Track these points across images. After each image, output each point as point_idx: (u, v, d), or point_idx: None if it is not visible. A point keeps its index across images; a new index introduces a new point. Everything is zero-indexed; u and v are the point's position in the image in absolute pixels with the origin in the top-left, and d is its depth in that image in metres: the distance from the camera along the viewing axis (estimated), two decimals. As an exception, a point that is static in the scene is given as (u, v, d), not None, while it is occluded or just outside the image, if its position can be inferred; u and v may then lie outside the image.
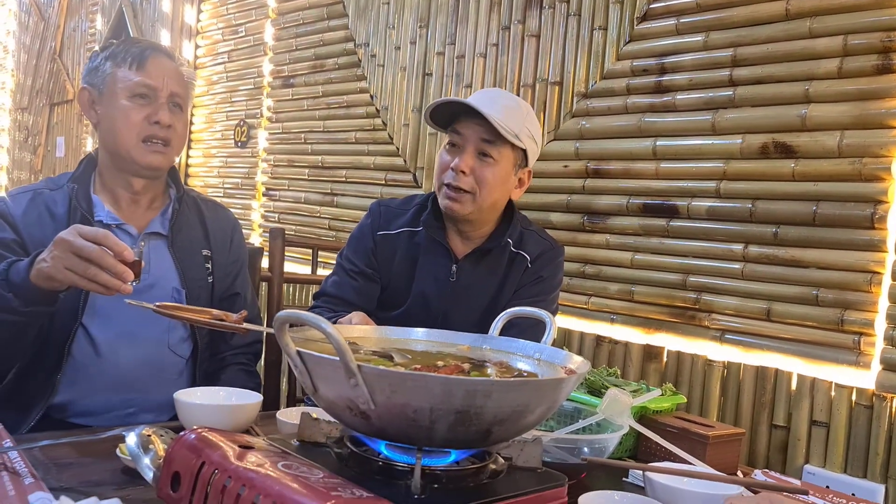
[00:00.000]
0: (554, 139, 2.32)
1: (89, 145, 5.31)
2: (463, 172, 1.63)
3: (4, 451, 1.06)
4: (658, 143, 2.04)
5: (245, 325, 1.14)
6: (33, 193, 1.55)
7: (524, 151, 1.69)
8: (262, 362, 2.04)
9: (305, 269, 2.85)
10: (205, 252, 1.67)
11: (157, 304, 1.12)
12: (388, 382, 0.84)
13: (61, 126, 5.81)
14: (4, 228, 1.49)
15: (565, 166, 2.27)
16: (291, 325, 0.93)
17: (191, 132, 4.14)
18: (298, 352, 0.89)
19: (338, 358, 0.83)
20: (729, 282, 1.88)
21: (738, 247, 1.86)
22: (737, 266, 1.86)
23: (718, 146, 1.91)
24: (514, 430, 0.95)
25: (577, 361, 1.06)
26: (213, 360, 1.69)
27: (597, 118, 2.21)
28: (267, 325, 1.75)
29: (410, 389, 0.84)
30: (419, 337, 1.22)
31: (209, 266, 1.66)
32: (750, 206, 1.84)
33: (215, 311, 1.14)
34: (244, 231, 2.92)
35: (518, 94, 2.40)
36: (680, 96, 2.00)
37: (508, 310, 1.27)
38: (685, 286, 1.96)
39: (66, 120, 5.75)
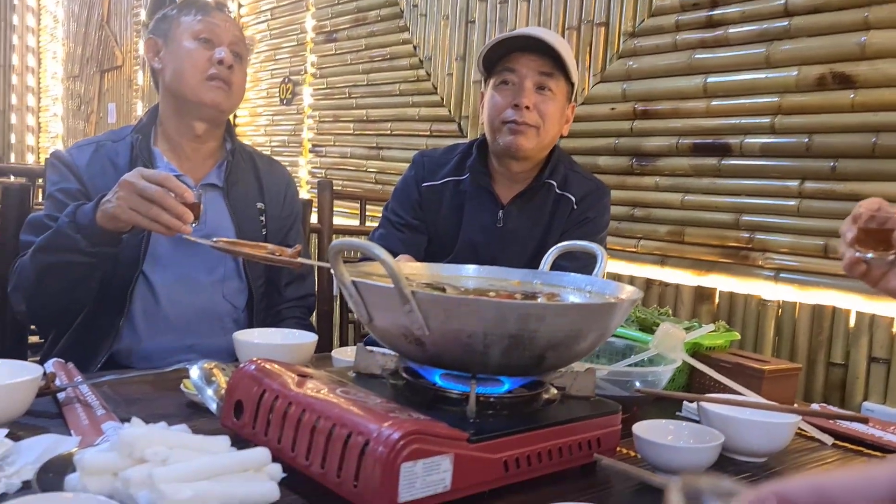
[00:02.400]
0: (600, 81, 2.28)
1: (139, 110, 5.40)
2: (527, 108, 1.62)
3: (76, 385, 1.11)
4: (709, 79, 1.99)
5: (299, 259, 1.16)
6: (96, 145, 1.59)
7: (572, 85, 1.67)
8: (315, 316, 2.08)
9: (354, 223, 2.88)
10: (259, 205, 1.70)
11: (215, 239, 1.15)
12: (443, 308, 0.85)
13: (112, 93, 5.92)
14: (69, 179, 1.54)
15: (612, 109, 2.23)
16: (346, 261, 0.94)
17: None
18: (354, 281, 0.90)
19: (392, 285, 0.84)
20: (784, 219, 1.84)
21: (793, 183, 1.82)
22: (792, 203, 1.82)
23: (773, 80, 1.86)
24: (567, 357, 0.95)
25: (628, 291, 1.06)
26: (268, 313, 1.72)
27: (645, 58, 2.16)
28: (318, 279, 1.79)
29: (464, 314, 0.85)
30: (470, 273, 1.23)
31: (263, 219, 1.68)
32: (806, 140, 1.79)
33: (270, 246, 1.16)
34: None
35: (563, 37, 2.36)
36: (732, 30, 1.94)
37: (559, 244, 1.27)
38: (738, 226, 1.93)
39: (116, 86, 5.86)
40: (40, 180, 2.95)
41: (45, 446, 0.86)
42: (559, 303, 0.98)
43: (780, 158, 1.85)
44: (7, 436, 0.86)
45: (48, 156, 1.64)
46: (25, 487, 0.79)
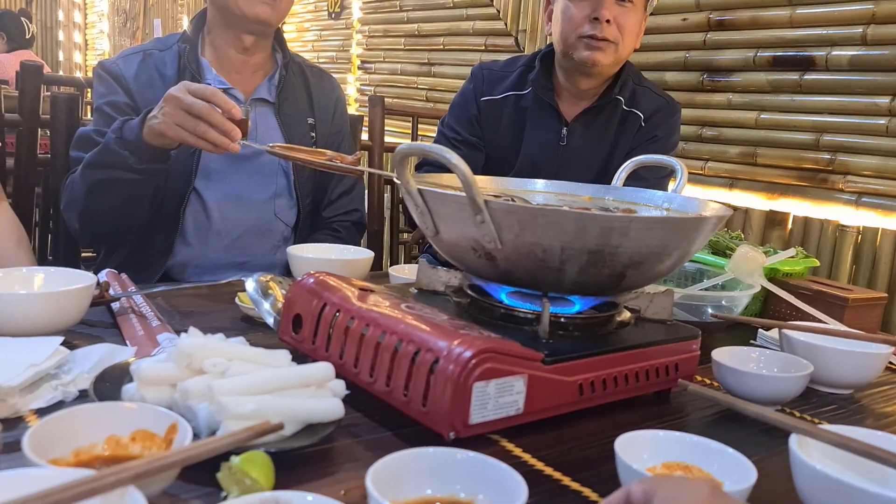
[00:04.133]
0: (671, -11, 2.13)
1: (185, 25, 5.33)
2: (608, 21, 1.51)
3: (130, 295, 1.08)
4: (794, -15, 1.83)
5: (360, 167, 1.09)
6: (143, 54, 1.53)
7: None
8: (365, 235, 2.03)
9: (404, 141, 2.80)
10: (310, 120, 1.63)
11: (272, 144, 1.09)
12: (518, 219, 0.79)
13: (157, 8, 5.84)
14: (117, 91, 1.49)
15: (684, 19, 2.08)
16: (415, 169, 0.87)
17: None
18: (420, 190, 0.84)
19: (464, 193, 0.77)
20: (870, 139, 1.71)
21: (883, 100, 1.68)
22: (881, 121, 1.69)
23: (867, -16, 1.70)
24: (647, 277, 0.88)
25: (714, 208, 0.98)
26: (312, 230, 1.68)
27: (722, -39, 2.00)
28: (368, 199, 1.72)
29: (541, 226, 0.78)
30: (538, 188, 1.16)
31: (313, 135, 1.62)
32: (901, 52, 1.64)
33: (329, 153, 1.10)
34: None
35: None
36: (823, -71, 1.78)
37: (634, 158, 1.18)
38: (818, 146, 1.80)
39: (161, 1, 5.77)
40: (89, 93, 2.92)
41: (100, 355, 0.83)
42: (646, 216, 0.90)
43: (870, 73, 1.71)
44: (62, 344, 0.83)
45: (96, 65, 1.58)
46: (82, 396, 0.76)
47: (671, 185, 1.13)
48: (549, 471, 0.71)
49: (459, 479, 0.60)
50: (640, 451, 0.67)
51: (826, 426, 0.69)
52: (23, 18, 4.91)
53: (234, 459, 0.59)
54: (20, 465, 0.55)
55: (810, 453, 0.66)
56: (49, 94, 2.02)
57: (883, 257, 1.70)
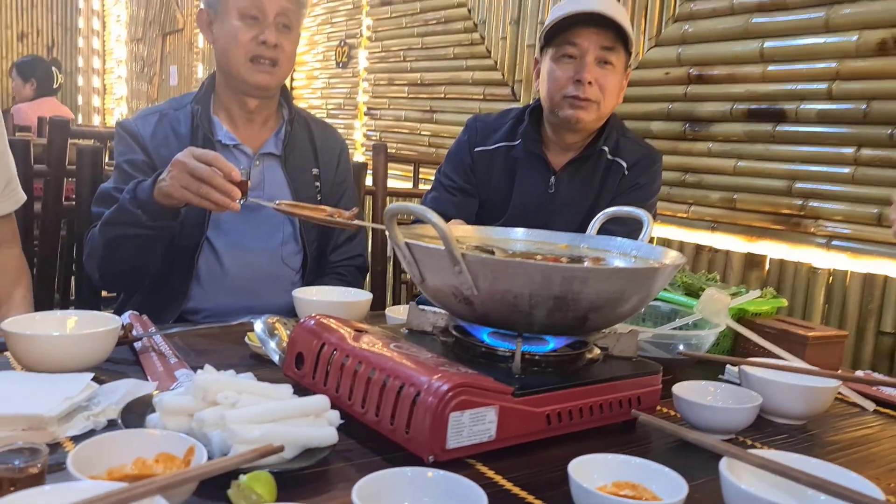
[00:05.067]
0: (655, 45, 2.27)
1: (200, 72, 5.53)
2: (589, 83, 1.63)
3: (151, 336, 1.20)
4: (766, 44, 1.96)
5: (356, 221, 1.21)
6: (159, 115, 1.66)
7: (630, 55, 1.67)
8: (369, 276, 2.14)
9: (407, 185, 2.93)
10: (314, 171, 1.75)
11: (277, 202, 1.21)
12: (490, 269, 0.90)
13: (174, 55, 6.06)
14: (135, 150, 1.61)
15: (666, 73, 2.22)
16: (400, 224, 0.99)
17: (294, 55, 4.23)
18: (407, 243, 0.96)
19: (443, 247, 0.89)
20: (838, 187, 1.82)
21: (849, 150, 1.80)
22: (847, 170, 1.80)
23: (832, 45, 1.83)
24: (609, 319, 0.99)
25: (672, 256, 1.09)
26: (318, 273, 1.79)
27: (701, 21, 2.14)
28: (372, 241, 1.84)
29: (511, 276, 0.90)
30: (518, 237, 1.27)
31: (318, 184, 1.74)
32: (864, 107, 1.76)
33: (329, 209, 1.22)
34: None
35: (618, 1, 2.34)
36: (791, -7, 1.91)
37: (606, 210, 1.30)
38: (791, 192, 1.92)
39: (177, 49, 5.99)
40: (110, 143, 3.08)
41: (125, 389, 0.94)
42: (602, 266, 1.01)
43: (836, 125, 1.83)
44: (92, 379, 0.95)
45: (116, 124, 1.71)
46: (111, 424, 0.87)
47: (641, 234, 1.24)
48: (516, 490, 0.82)
49: (433, 494, 0.71)
50: (592, 472, 0.77)
51: (759, 451, 0.79)
52: (54, 68, 5.11)
53: (242, 478, 0.71)
54: (63, 483, 0.66)
55: (741, 476, 0.76)
56: (74, 143, 2.16)
57: (852, 298, 1.81)
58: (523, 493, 0.81)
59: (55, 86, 5.08)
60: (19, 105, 4.91)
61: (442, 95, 3.22)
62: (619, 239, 1.21)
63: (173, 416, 0.81)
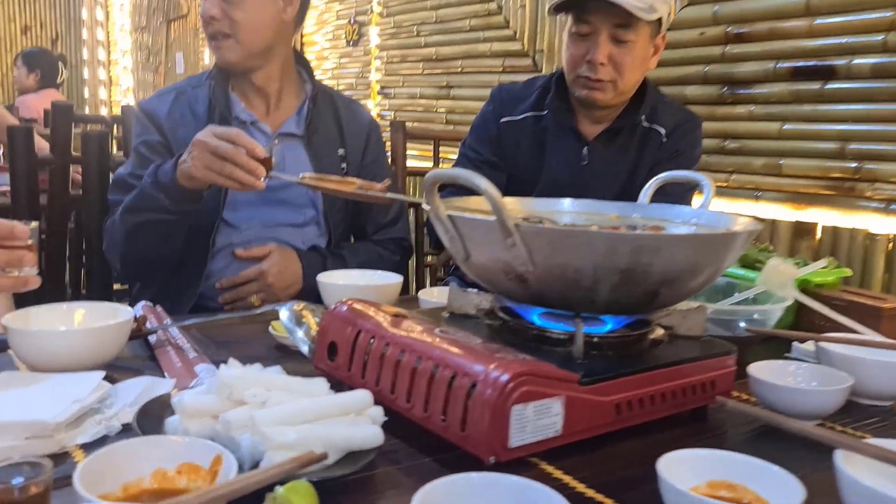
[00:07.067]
0: (688, 4, 2.14)
1: (206, 58, 5.42)
2: (602, 64, 1.52)
3: (166, 328, 1.10)
4: (812, -5, 1.83)
5: (389, 194, 1.11)
6: (176, 93, 1.57)
7: (659, 20, 1.54)
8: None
9: (426, 164, 2.82)
10: (340, 152, 1.64)
11: (301, 175, 1.11)
12: (548, 240, 0.79)
13: (179, 42, 5.95)
14: (151, 131, 1.53)
15: (702, 33, 2.09)
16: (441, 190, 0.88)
17: (302, 34, 4.12)
18: (450, 215, 0.85)
19: (493, 217, 0.78)
20: (896, 146, 1.70)
21: (908, 106, 1.67)
22: (906, 128, 1.67)
23: (886, -8, 1.69)
24: (680, 293, 0.88)
25: (743, 222, 0.97)
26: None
27: (738, -26, 2.01)
28: (399, 220, 1.73)
29: (572, 247, 0.79)
30: (565, 208, 1.16)
31: (344, 165, 1.63)
32: (924, 58, 1.63)
33: (358, 181, 1.11)
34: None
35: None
36: (839, -63, 1.78)
37: (659, 175, 1.18)
38: (843, 155, 1.79)
39: (182, 35, 5.88)
40: (115, 129, 2.99)
41: (141, 388, 0.85)
42: (676, 234, 0.90)
43: (892, 80, 1.69)
44: (103, 378, 0.85)
45: (135, 106, 1.62)
46: (125, 429, 0.77)
47: (697, 200, 1.13)
48: (590, 493, 0.71)
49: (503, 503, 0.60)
50: (684, 470, 0.67)
51: (870, 440, 0.68)
52: (60, 63, 5.06)
53: (278, 489, 0.60)
54: (71, 501, 0.56)
55: (856, 468, 0.65)
56: (79, 130, 2.07)
57: (916, 265, 1.69)
58: (600, 496, 0.70)
59: (59, 80, 5.01)
60: (24, 97, 4.84)
61: (459, 70, 3.10)
62: (676, 206, 1.10)
63: (195, 418, 0.71)
